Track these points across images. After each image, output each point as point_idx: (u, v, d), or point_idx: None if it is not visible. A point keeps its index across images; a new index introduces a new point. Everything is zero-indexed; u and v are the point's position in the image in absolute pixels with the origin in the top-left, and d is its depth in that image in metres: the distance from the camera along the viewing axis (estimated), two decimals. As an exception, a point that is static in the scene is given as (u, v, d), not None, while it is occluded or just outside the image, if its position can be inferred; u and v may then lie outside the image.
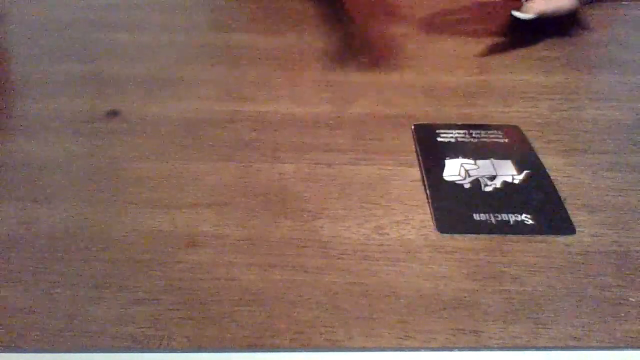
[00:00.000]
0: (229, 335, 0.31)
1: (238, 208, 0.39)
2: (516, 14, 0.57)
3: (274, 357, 0.30)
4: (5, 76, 0.56)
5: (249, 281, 0.34)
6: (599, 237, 0.37)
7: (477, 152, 0.44)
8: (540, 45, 0.61)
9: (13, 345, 0.30)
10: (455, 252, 0.36)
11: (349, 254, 0.36)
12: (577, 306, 0.32)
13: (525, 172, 0.42)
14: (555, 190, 0.40)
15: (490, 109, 0.50)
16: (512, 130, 0.47)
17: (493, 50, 0.60)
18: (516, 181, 0.41)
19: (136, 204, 0.39)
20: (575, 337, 0.31)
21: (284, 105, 0.50)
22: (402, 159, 0.44)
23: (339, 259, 0.35)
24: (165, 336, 0.31)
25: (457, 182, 0.41)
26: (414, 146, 0.45)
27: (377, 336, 0.31)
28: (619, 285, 0.34)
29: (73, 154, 0.44)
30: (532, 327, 0.31)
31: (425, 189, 0.41)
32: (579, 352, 0.30)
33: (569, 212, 0.39)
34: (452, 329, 0.31)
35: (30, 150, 0.45)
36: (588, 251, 0.36)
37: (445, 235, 0.37)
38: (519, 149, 0.44)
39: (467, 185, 0.41)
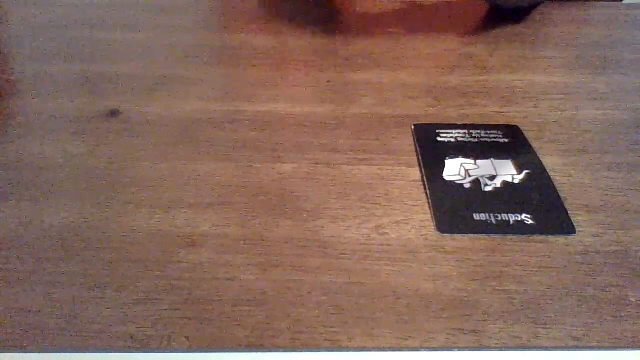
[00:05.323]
0: (229, 335, 0.31)
1: (238, 208, 0.39)
2: None
3: (274, 357, 0.30)
4: (5, 76, 0.56)
5: (249, 281, 0.34)
6: (599, 237, 0.37)
7: (477, 152, 0.44)
8: (540, 45, 0.61)
9: (13, 345, 0.30)
10: (455, 252, 0.36)
11: (349, 254, 0.36)
12: (577, 306, 0.32)
13: (525, 172, 0.42)
14: (555, 190, 0.40)
15: (490, 109, 0.50)
16: (512, 130, 0.47)
17: (493, 49, 0.60)
18: (516, 181, 0.41)
19: (136, 204, 0.39)
20: (575, 337, 0.31)
21: (284, 105, 0.50)
22: (402, 159, 0.44)
23: (339, 259, 0.35)
24: (165, 336, 0.31)
25: (457, 182, 0.41)
26: (414, 146, 0.45)
27: (377, 336, 0.31)
28: (619, 285, 0.34)
29: (73, 154, 0.44)
30: (532, 327, 0.31)
31: (425, 189, 0.41)
32: (579, 352, 0.30)
33: (569, 212, 0.39)
34: (452, 329, 0.31)
35: (30, 150, 0.45)
36: (588, 251, 0.36)
37: (445, 235, 0.37)
38: (519, 149, 0.44)
39: (467, 185, 0.41)
